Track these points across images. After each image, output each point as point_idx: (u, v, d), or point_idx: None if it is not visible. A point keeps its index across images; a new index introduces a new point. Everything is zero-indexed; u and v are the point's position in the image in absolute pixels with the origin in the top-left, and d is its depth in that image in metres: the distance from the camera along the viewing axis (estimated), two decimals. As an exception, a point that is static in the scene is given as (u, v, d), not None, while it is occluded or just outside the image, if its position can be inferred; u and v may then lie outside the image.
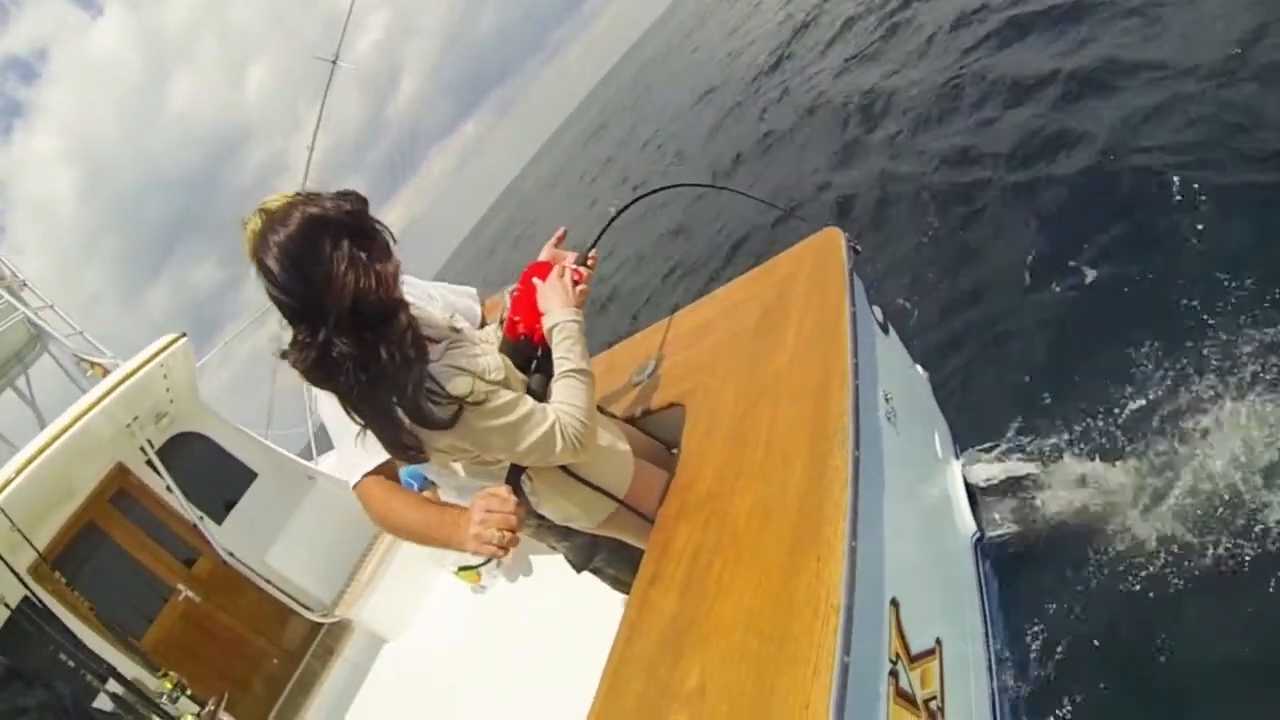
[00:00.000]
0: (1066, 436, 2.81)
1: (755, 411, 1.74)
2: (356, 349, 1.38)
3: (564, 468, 1.70)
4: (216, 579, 4.55)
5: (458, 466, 1.75)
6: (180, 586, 4.34)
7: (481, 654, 3.73)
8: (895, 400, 1.91)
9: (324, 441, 6.02)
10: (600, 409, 2.28)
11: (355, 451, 1.70)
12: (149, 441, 4.31)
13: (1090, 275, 3.46)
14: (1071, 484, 2.61)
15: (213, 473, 4.83)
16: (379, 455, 1.72)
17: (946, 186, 5.11)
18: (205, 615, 4.42)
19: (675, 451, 2.20)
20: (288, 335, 1.46)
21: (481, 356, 1.55)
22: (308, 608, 4.66)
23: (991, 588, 2.38)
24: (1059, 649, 2.27)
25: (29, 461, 3.40)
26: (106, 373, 4.20)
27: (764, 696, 1.06)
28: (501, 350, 1.70)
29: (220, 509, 4.76)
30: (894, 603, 1.40)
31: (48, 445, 3.54)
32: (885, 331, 2.26)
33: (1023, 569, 2.47)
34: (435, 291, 2.14)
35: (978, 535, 2.40)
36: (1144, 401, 2.70)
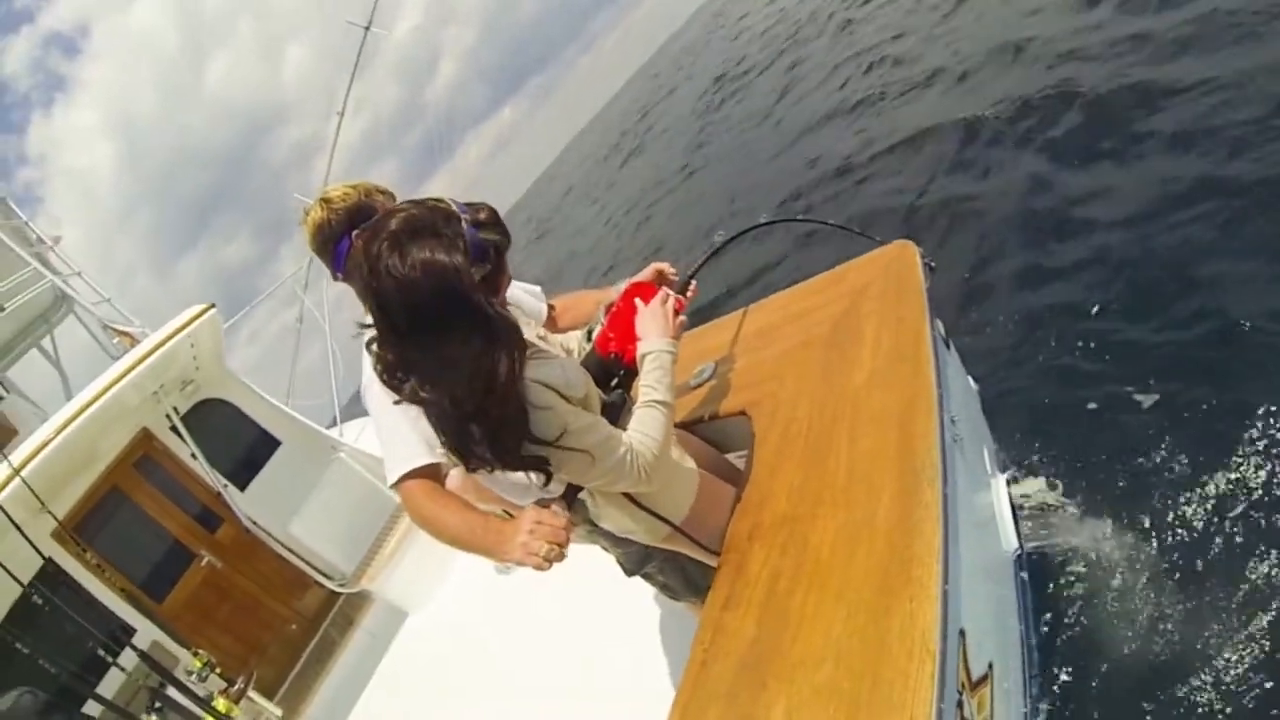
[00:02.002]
0: (1110, 466, 2.78)
1: (833, 432, 1.71)
2: (458, 411, 1.34)
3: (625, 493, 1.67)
4: (238, 545, 4.57)
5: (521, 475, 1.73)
6: (202, 552, 4.36)
7: (501, 634, 3.74)
8: (960, 422, 1.89)
9: (349, 412, 6.02)
10: None
11: (400, 452, 1.69)
12: (174, 409, 4.31)
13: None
14: (1108, 512, 2.61)
15: (237, 439, 4.84)
16: (425, 457, 1.69)
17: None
18: (226, 580, 4.45)
19: (738, 456, 2.18)
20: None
21: (565, 371, 1.51)
22: (328, 577, 4.69)
23: (1027, 603, 2.38)
24: (1086, 667, 2.29)
25: (58, 431, 3.40)
26: (134, 341, 4.19)
27: (859, 739, 1.05)
28: (585, 363, 1.68)
29: (244, 476, 4.77)
30: (961, 634, 1.38)
31: (76, 415, 3.55)
32: (948, 347, 2.23)
33: (1053, 586, 2.49)
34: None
35: (1018, 551, 2.39)
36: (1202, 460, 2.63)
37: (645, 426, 1.56)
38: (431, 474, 1.71)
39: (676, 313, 1.72)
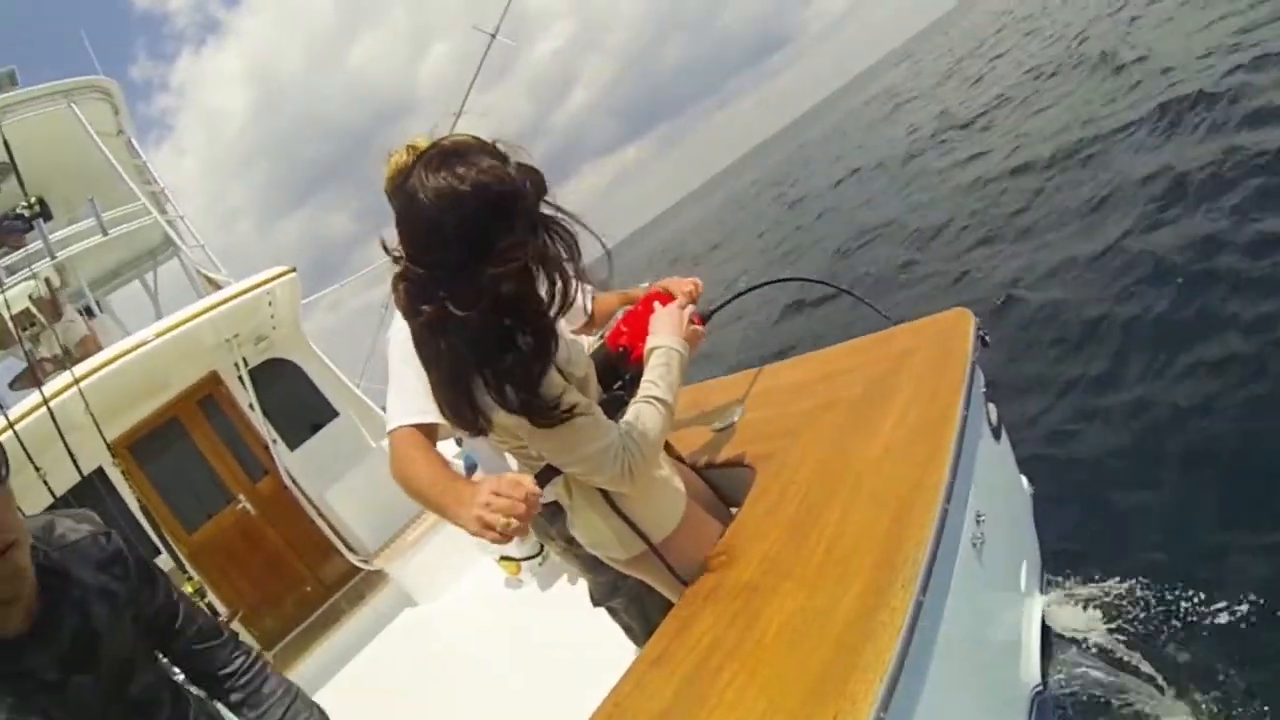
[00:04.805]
0: (1185, 602, 2.38)
1: (828, 504, 1.51)
2: (482, 336, 1.23)
3: (605, 493, 1.54)
4: (277, 500, 4.71)
5: (505, 452, 1.65)
6: (241, 497, 4.53)
7: (498, 645, 3.69)
8: (988, 522, 1.63)
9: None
10: (667, 444, 2.15)
11: (405, 405, 1.67)
12: (244, 359, 4.51)
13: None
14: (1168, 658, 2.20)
15: (299, 402, 5.02)
16: (428, 415, 1.64)
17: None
18: (257, 529, 4.59)
19: (734, 512, 2.02)
20: None
21: (568, 348, 1.42)
22: (352, 549, 4.76)
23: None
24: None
25: (134, 348, 3.61)
26: (219, 288, 4.42)
27: None
28: (595, 358, 1.60)
29: (297, 436, 4.92)
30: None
31: (153, 338, 3.75)
32: (996, 437, 1.97)
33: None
34: None
35: (1039, 688, 2.03)
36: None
37: (639, 421, 1.44)
38: (428, 432, 1.67)
39: (694, 323, 1.64)
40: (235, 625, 3.60)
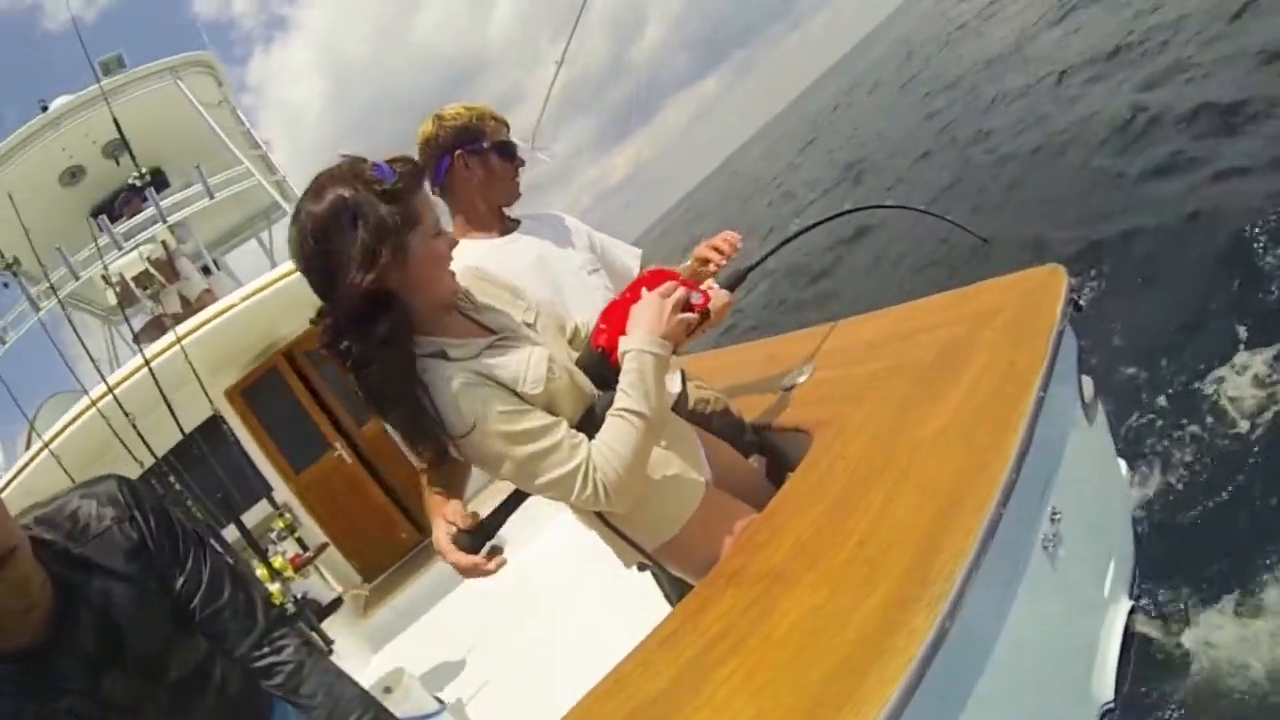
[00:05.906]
0: None
1: (874, 484, 1.35)
2: (359, 346, 1.25)
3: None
4: (381, 443, 4.95)
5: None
6: (346, 440, 4.80)
7: (579, 592, 3.77)
8: (1067, 518, 1.39)
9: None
10: (725, 404, 1.98)
11: None
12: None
13: None
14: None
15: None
16: None
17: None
18: (355, 473, 4.86)
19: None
20: None
21: (523, 365, 1.33)
22: (448, 490, 4.96)
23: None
24: None
25: (233, 305, 3.84)
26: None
27: None
28: (581, 361, 1.47)
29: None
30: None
31: (261, 289, 3.98)
32: (1090, 419, 1.69)
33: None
34: (598, 241, 2.08)
35: (1110, 705, 1.75)
36: None
37: (612, 438, 1.32)
38: None
39: (688, 309, 1.42)
40: (333, 555, 3.84)
